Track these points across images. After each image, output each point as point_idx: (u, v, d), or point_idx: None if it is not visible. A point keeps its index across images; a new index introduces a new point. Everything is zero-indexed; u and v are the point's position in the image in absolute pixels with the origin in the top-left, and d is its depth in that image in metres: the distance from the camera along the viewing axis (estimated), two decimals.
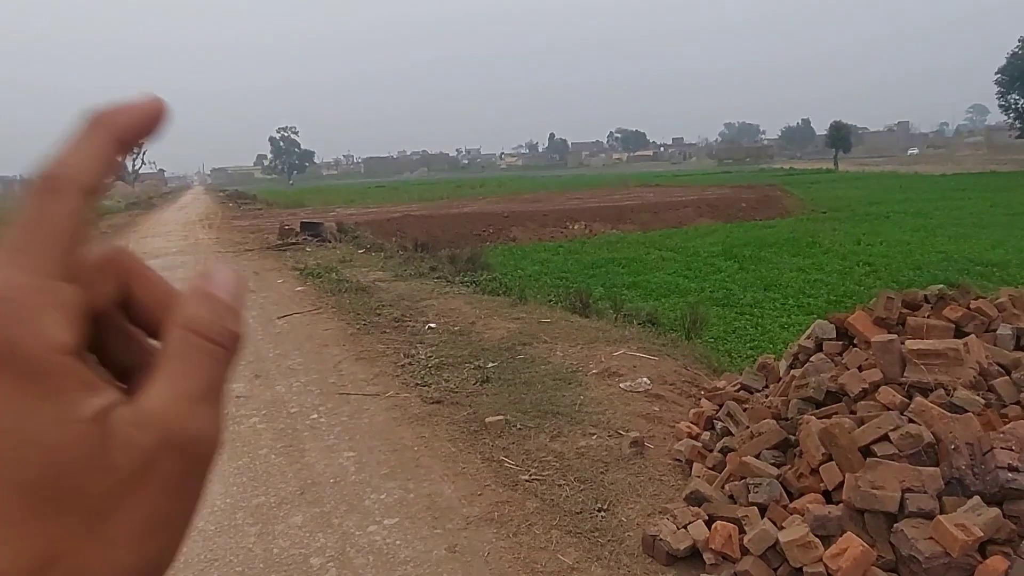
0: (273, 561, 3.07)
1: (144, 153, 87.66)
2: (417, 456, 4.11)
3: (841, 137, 72.18)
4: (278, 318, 8.23)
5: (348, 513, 3.47)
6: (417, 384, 5.40)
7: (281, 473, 3.97)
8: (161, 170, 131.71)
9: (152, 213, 37.42)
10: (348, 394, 5.30)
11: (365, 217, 24.15)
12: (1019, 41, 48.87)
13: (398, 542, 3.17)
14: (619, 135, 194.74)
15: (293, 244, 16.10)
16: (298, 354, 6.55)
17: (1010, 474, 2.53)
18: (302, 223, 18.35)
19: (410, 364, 5.94)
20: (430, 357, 6.07)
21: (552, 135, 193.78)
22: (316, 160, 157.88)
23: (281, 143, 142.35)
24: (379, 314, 7.98)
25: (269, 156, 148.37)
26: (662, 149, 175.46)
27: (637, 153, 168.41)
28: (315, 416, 4.88)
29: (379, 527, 3.31)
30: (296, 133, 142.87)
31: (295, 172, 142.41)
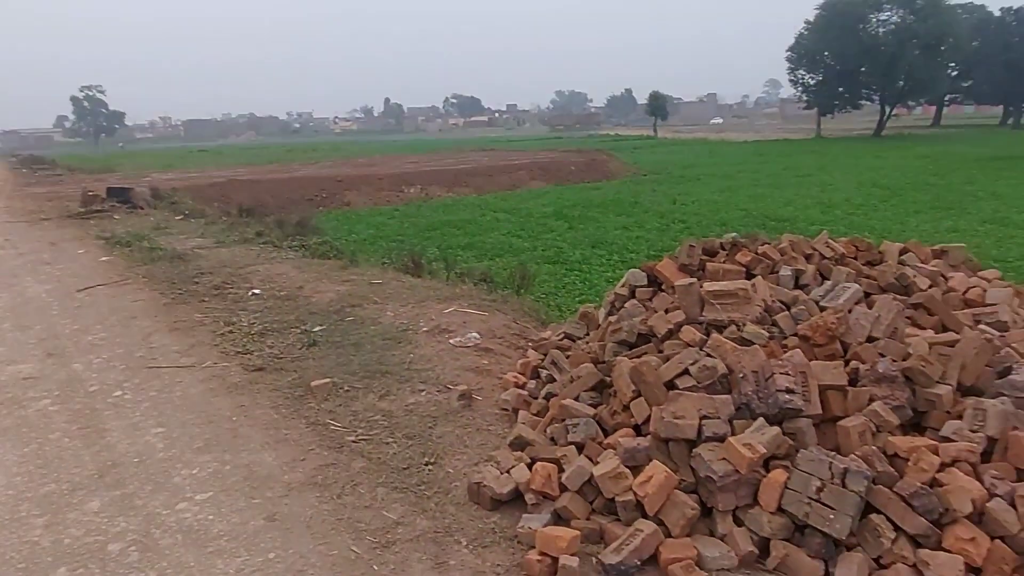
0: (64, 552, 2.77)
1: None
2: (235, 426, 3.88)
3: (659, 106, 76.49)
4: (78, 291, 7.42)
5: (154, 493, 3.20)
6: (238, 352, 5.10)
7: (76, 457, 3.59)
8: None
9: None
10: (159, 367, 4.89)
11: (185, 182, 22.29)
12: (805, 23, 54.09)
13: (211, 517, 2.98)
14: (455, 100, 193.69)
15: (98, 212, 14.55)
16: (101, 328, 5.94)
17: (787, 396, 2.82)
18: (109, 189, 16.63)
19: (231, 332, 5.59)
20: (253, 324, 5.75)
21: (387, 100, 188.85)
22: (128, 122, 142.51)
23: (85, 103, 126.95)
24: (197, 282, 7.43)
25: (71, 117, 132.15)
26: (497, 115, 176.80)
27: (473, 119, 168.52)
28: (119, 393, 4.45)
29: (189, 504, 3.09)
30: (103, 92, 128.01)
31: (103, 135, 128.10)
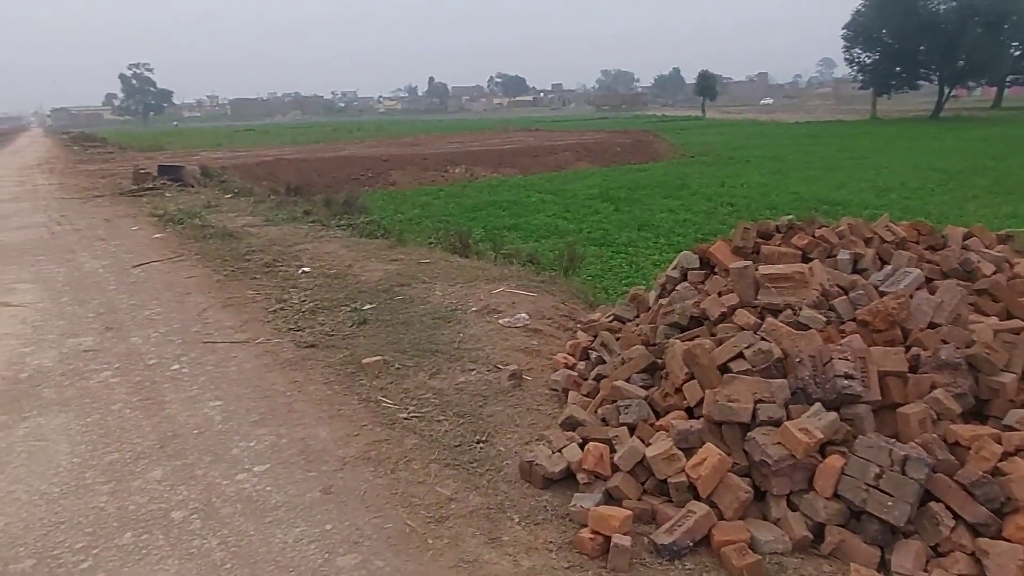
0: (129, 518, 2.88)
1: None
2: (290, 401, 3.97)
3: (708, 86, 75.07)
4: (133, 267, 7.65)
5: (214, 463, 3.30)
6: (290, 329, 5.20)
7: (138, 427, 3.72)
8: None
9: None
10: (214, 343, 5.03)
11: (233, 161, 22.74)
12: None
13: (269, 488, 3.07)
14: (500, 80, 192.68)
15: (150, 189, 14.95)
16: (157, 304, 6.12)
17: (845, 381, 2.77)
18: (160, 167, 17.07)
19: (282, 309, 5.71)
20: (304, 301, 5.86)
21: (432, 79, 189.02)
22: (176, 101, 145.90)
23: (134, 81, 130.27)
24: (248, 260, 7.59)
25: (120, 95, 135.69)
26: (542, 95, 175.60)
27: (517, 98, 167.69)
28: (176, 367, 4.59)
29: (248, 475, 3.18)
30: (151, 71, 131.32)
31: (151, 113, 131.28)
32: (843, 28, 54.01)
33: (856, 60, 54.72)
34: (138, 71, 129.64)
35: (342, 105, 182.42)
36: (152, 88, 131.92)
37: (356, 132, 51.89)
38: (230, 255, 7.86)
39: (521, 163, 23.81)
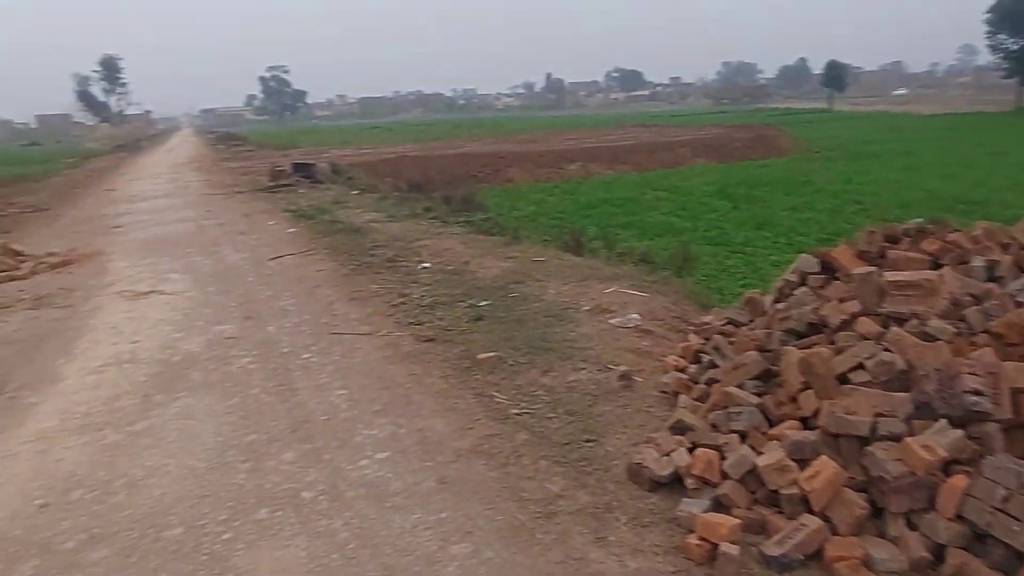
0: (264, 496, 3.17)
1: (129, 93, 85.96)
2: (409, 393, 4.20)
3: (836, 76, 70.86)
4: (269, 260, 8.26)
5: (339, 449, 3.57)
6: (410, 323, 5.47)
7: (272, 411, 4.06)
8: (148, 111, 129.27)
9: (139, 155, 37.00)
10: (341, 334, 5.38)
11: (360, 158, 23.92)
12: None
13: (389, 475, 3.28)
14: (616, 75, 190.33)
15: (285, 186, 15.99)
16: (290, 295, 6.60)
17: (974, 397, 2.62)
18: (294, 164, 18.18)
19: (403, 303, 6.01)
20: (423, 296, 6.14)
21: (549, 75, 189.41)
22: (308, 100, 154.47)
23: (272, 83, 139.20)
24: (372, 255, 8.01)
25: (259, 96, 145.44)
26: (659, 89, 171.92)
27: (634, 93, 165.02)
28: (307, 356, 4.96)
29: (370, 461, 3.42)
30: (287, 72, 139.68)
31: (287, 113, 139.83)
32: (986, 12, 49.65)
33: (1000, 46, 50.35)
34: (276, 73, 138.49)
35: (462, 102, 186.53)
36: (288, 89, 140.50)
37: (475, 129, 52.97)
38: (356, 249, 8.32)
39: (636, 159, 23.52)
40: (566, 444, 3.42)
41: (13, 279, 7.89)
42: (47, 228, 12.04)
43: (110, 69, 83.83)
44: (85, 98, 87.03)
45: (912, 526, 2.57)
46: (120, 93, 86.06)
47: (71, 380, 4.76)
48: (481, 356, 4.50)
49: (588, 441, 3.44)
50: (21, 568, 2.76)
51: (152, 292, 7.03)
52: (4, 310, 6.69)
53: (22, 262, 8.45)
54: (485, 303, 5.73)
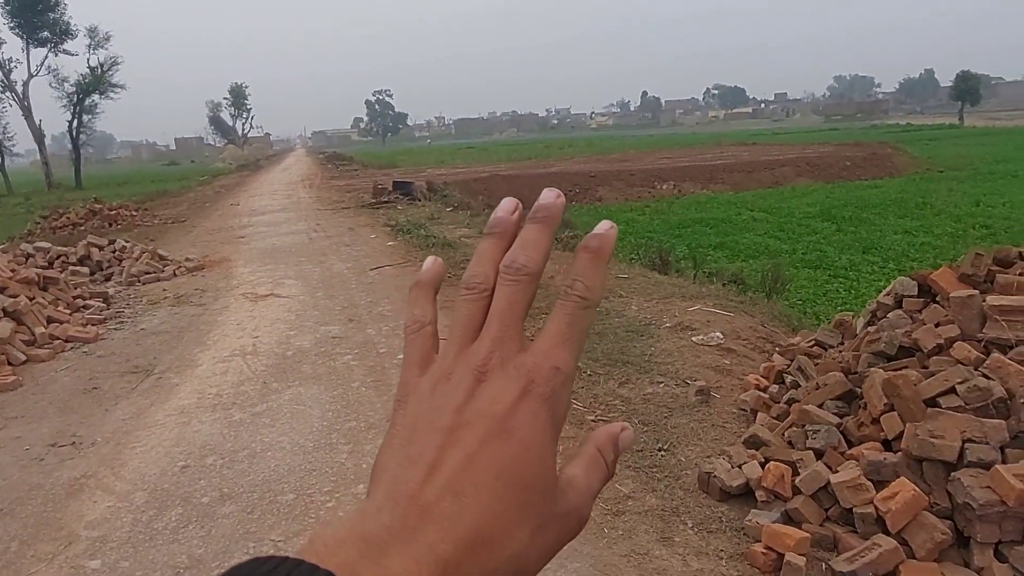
0: (362, 474, 3.47)
1: (252, 118, 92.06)
2: None
3: (969, 89, 65.53)
4: (371, 270, 8.69)
5: None
6: None
7: (370, 403, 4.40)
8: (267, 133, 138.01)
9: (259, 174, 39.49)
10: None
11: (454, 177, 24.58)
12: None
13: None
14: (716, 92, 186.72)
15: (386, 202, 16.69)
16: (388, 302, 6.95)
17: None
18: (394, 182, 18.92)
19: None
20: None
21: (644, 93, 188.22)
22: (409, 122, 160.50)
23: (376, 106, 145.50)
24: (463, 268, 8.23)
25: (365, 119, 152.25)
26: (763, 105, 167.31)
27: (735, 110, 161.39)
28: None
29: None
30: (391, 96, 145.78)
31: (389, 134, 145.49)
32: None
33: None
34: (380, 96, 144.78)
35: (555, 122, 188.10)
36: (391, 112, 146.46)
37: (567, 149, 53.23)
38: (448, 263, 8.59)
39: (733, 179, 23.03)
40: (639, 451, 3.47)
41: (159, 280, 9.03)
42: (184, 237, 13.19)
43: (238, 96, 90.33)
44: (215, 122, 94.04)
45: (1002, 558, 2.47)
46: (245, 118, 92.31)
47: (205, 366, 5.35)
48: None
49: (660, 450, 3.47)
50: (169, 514, 3.26)
51: (270, 295, 7.63)
52: (153, 306, 7.57)
53: (165, 266, 9.51)
54: None
